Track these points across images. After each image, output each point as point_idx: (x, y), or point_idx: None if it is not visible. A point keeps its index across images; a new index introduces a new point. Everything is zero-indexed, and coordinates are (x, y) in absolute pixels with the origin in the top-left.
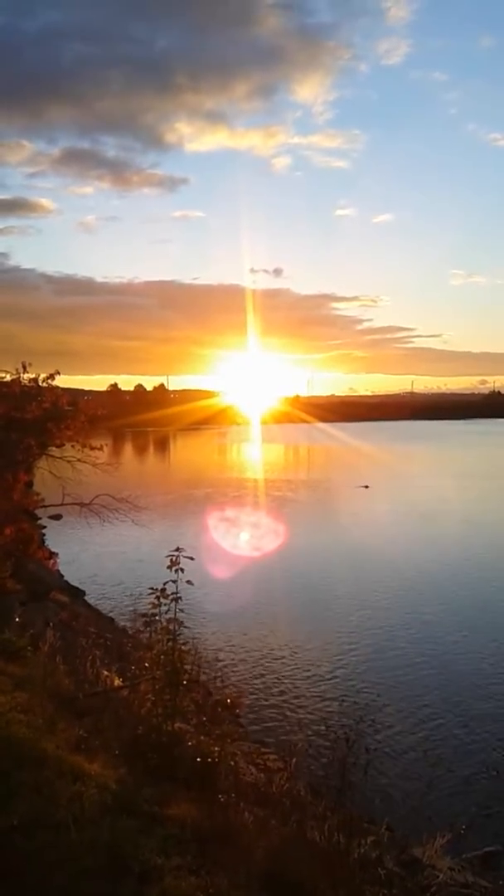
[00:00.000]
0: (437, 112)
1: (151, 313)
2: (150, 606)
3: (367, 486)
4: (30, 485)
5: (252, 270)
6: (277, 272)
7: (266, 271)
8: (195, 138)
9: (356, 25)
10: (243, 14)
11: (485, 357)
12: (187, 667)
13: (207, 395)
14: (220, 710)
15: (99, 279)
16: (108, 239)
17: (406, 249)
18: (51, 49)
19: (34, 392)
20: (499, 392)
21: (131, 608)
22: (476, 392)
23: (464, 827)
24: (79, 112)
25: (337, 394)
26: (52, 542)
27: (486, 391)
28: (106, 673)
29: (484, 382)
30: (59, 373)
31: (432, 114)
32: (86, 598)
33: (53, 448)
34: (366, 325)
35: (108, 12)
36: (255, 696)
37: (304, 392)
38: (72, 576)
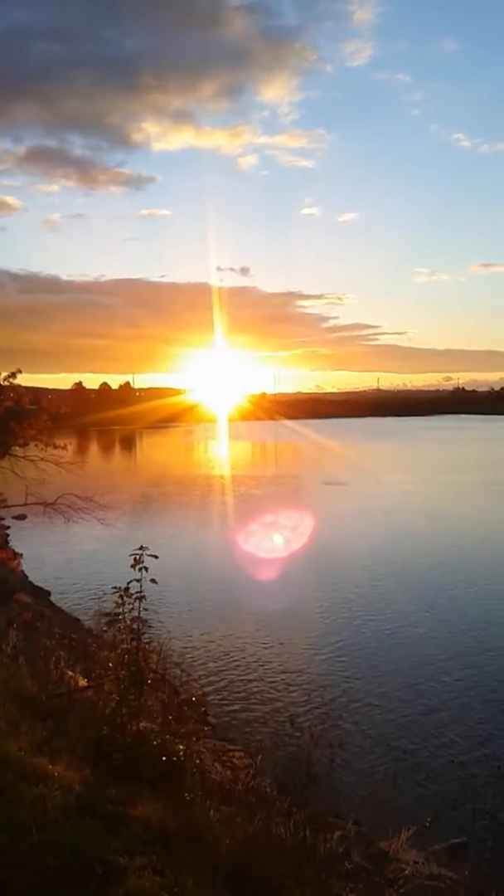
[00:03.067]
0: (400, 113)
1: (118, 311)
2: (113, 606)
3: (341, 484)
4: None
5: (219, 269)
6: (244, 270)
7: (233, 269)
8: (162, 137)
9: (322, 28)
10: (210, 16)
11: (449, 354)
12: (152, 666)
13: (174, 392)
14: (185, 708)
15: (64, 277)
16: (74, 237)
17: (371, 248)
18: (18, 48)
19: None
20: (463, 388)
21: (96, 608)
22: (441, 388)
23: (429, 819)
24: (46, 111)
25: (303, 391)
26: (15, 543)
27: (451, 387)
28: (70, 673)
29: (448, 379)
30: (20, 371)
31: (396, 115)
32: (50, 598)
33: (16, 447)
34: (331, 322)
35: (77, 13)
36: (221, 694)
37: (271, 389)
38: (36, 576)
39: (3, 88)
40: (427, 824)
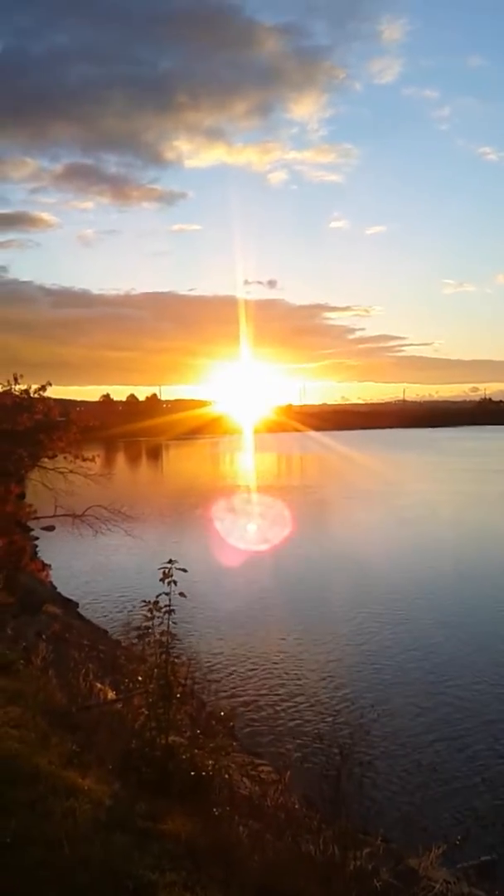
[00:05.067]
0: (428, 128)
1: (146, 324)
2: (143, 619)
3: (367, 496)
4: (22, 496)
5: (246, 282)
6: (272, 283)
7: (260, 283)
8: (194, 154)
9: (351, 47)
10: (244, 37)
11: (476, 364)
12: (181, 679)
13: (200, 404)
14: (213, 722)
15: (95, 291)
16: (106, 252)
17: (398, 260)
18: (56, 70)
19: (25, 403)
20: (490, 399)
21: (124, 620)
22: (468, 399)
23: (459, 837)
24: (82, 130)
25: (329, 402)
26: (44, 554)
27: (478, 398)
28: (99, 686)
29: (475, 390)
30: (50, 384)
31: (424, 129)
32: (79, 609)
33: (45, 459)
34: (358, 334)
35: (114, 35)
36: (249, 709)
37: (297, 401)
38: (64, 588)
39: (42, 109)
40: (457, 842)
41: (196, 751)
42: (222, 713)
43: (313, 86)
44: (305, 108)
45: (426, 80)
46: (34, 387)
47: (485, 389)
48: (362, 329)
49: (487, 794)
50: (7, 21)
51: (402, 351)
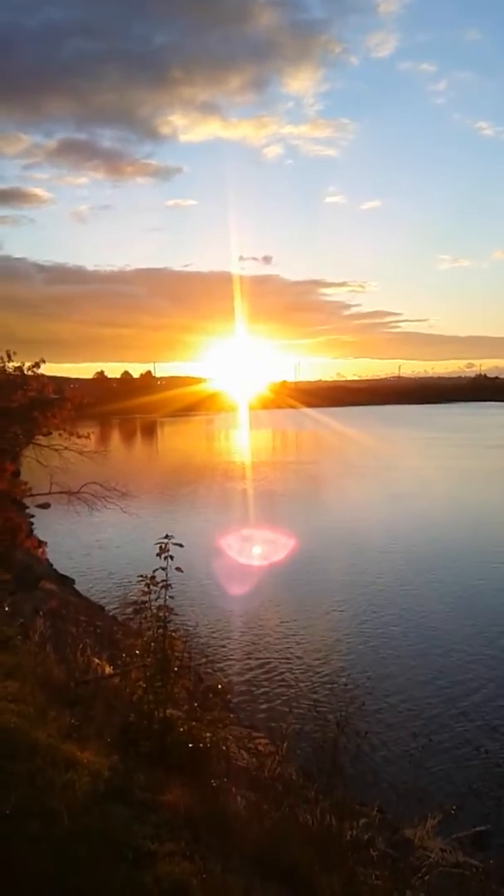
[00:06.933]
0: (424, 102)
1: (141, 301)
2: (139, 594)
3: (361, 471)
4: (17, 474)
5: (241, 258)
6: (267, 259)
7: (255, 258)
8: (189, 129)
9: (347, 20)
10: (239, 11)
11: (471, 340)
12: (178, 653)
13: (195, 381)
14: (211, 695)
15: (90, 267)
16: (100, 228)
17: (393, 235)
18: (50, 45)
19: (19, 381)
20: (485, 375)
21: (121, 596)
22: (463, 375)
23: (454, 807)
24: (76, 105)
25: (324, 379)
26: (40, 531)
27: (473, 374)
28: (97, 661)
29: (470, 366)
30: (44, 361)
31: (420, 104)
32: (75, 586)
33: (40, 436)
34: (353, 310)
35: (108, 10)
36: (246, 682)
37: (292, 378)
38: (61, 564)
39: (37, 84)
40: (452, 812)
41: (193, 723)
42: (219, 686)
43: (309, 60)
44: (301, 83)
45: (423, 55)
46: (28, 364)
47: (480, 365)
48: (358, 305)
49: (482, 765)
50: None
51: (398, 327)
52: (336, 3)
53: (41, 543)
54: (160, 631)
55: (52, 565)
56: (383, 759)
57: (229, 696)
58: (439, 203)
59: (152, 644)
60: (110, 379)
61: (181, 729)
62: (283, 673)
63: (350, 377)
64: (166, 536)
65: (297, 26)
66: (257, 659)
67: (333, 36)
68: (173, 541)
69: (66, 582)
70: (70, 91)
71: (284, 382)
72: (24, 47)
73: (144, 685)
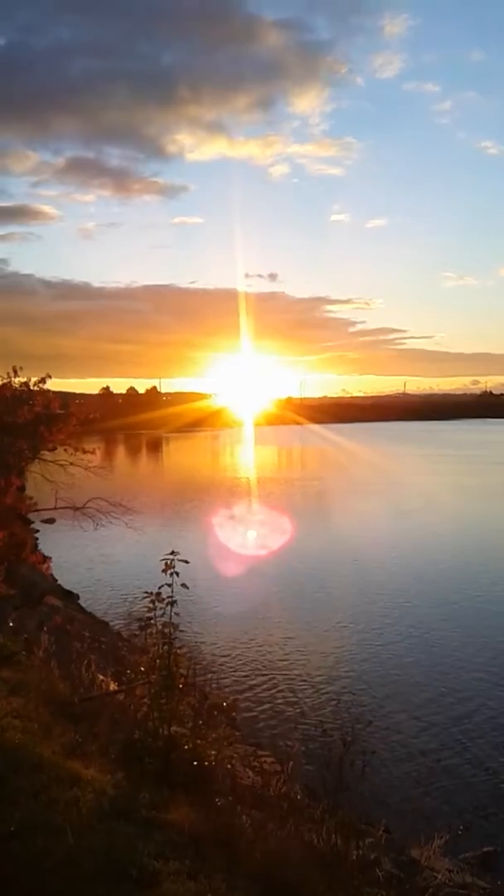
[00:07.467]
0: (429, 122)
1: (147, 317)
2: (144, 610)
3: (367, 489)
4: (22, 489)
5: (247, 275)
6: (272, 276)
7: (261, 276)
8: (196, 148)
9: (353, 41)
10: (246, 32)
11: (476, 357)
12: (183, 670)
13: (200, 397)
14: (215, 713)
15: (97, 284)
16: (107, 245)
17: (399, 253)
18: (58, 64)
19: (25, 396)
20: (490, 392)
21: (126, 612)
22: (468, 392)
23: (461, 828)
24: (84, 124)
25: (330, 395)
26: (45, 547)
27: (478, 391)
28: (101, 677)
29: (476, 383)
30: (50, 376)
31: (425, 123)
32: (80, 601)
33: (45, 452)
34: (359, 327)
35: (116, 30)
36: (251, 699)
37: (297, 394)
38: (65, 580)
39: (45, 102)
40: (459, 832)
41: (198, 741)
42: (224, 704)
43: (315, 80)
44: (307, 103)
45: (427, 75)
46: (34, 379)
47: (485, 382)
48: (363, 322)
49: (490, 785)
50: (9, 17)
51: (403, 344)
52: (342, 25)
53: (46, 559)
54: (165, 648)
55: (56, 581)
56: (389, 777)
57: (234, 714)
58: (444, 221)
59: (157, 661)
60: (116, 394)
61: (186, 746)
62: (288, 691)
63: (355, 393)
64: (172, 552)
65: (303, 47)
66: (262, 676)
67: (339, 56)
68: (179, 557)
69: (70, 597)
70: (78, 110)
71: (290, 399)
72: (33, 67)
73: (149, 702)
